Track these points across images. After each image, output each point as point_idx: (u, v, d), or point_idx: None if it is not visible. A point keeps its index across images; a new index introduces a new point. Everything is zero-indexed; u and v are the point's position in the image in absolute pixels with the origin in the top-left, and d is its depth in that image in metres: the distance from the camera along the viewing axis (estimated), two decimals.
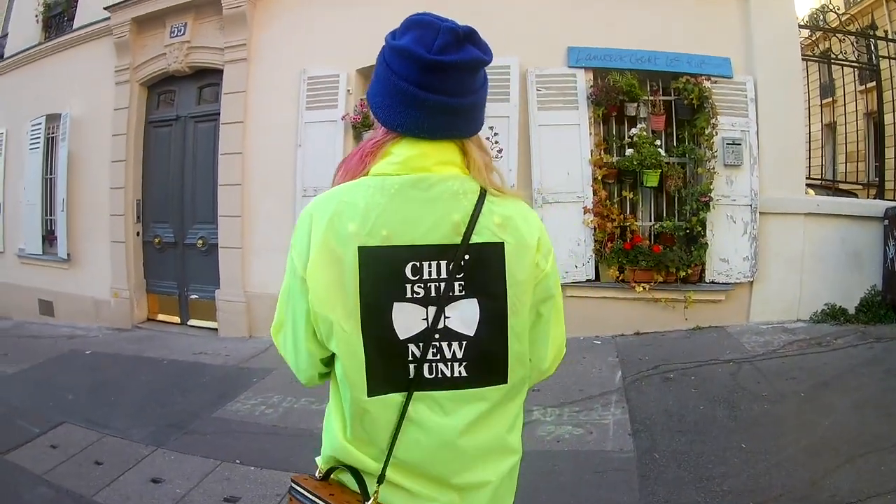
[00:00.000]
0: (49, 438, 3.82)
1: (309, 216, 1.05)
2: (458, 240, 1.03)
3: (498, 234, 1.05)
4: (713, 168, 5.21)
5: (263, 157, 5.93)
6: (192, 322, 6.62)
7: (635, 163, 5.13)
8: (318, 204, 1.06)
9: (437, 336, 1.05)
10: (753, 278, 5.22)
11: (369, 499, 1.06)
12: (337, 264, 1.02)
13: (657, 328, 5.17)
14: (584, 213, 5.16)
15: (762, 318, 5.25)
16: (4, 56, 8.57)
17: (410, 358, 1.05)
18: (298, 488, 1.13)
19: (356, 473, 1.09)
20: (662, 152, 5.22)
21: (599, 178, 5.21)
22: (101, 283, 7.00)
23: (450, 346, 1.06)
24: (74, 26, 7.58)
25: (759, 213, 5.27)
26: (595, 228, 5.16)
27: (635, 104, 5.31)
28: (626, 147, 5.31)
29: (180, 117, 6.68)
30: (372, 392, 1.04)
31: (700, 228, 5.17)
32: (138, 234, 6.90)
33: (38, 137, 7.54)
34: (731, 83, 5.35)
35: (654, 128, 5.40)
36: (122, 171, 6.79)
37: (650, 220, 5.46)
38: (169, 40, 6.55)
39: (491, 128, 5.12)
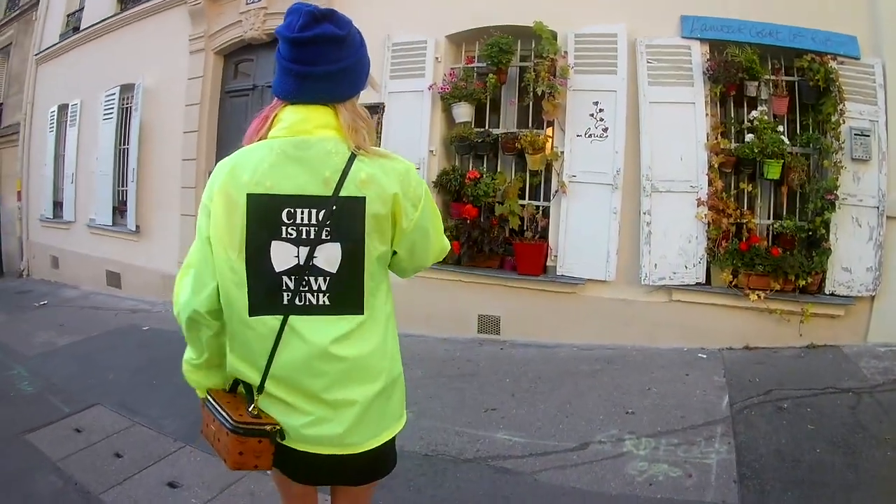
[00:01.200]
0: (76, 421, 3.52)
1: (217, 170, 1.28)
2: (328, 193, 1.21)
3: (361, 189, 1.22)
4: (839, 161, 4.44)
5: None
6: None
7: (756, 150, 4.40)
8: (223, 162, 1.28)
9: (306, 271, 1.24)
10: (875, 292, 4.42)
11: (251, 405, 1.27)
12: (231, 205, 1.22)
13: (769, 343, 4.46)
14: (698, 205, 4.48)
15: (880, 338, 4.44)
16: (80, 28, 8.36)
17: (284, 288, 1.24)
18: (209, 398, 1.35)
19: (247, 385, 1.28)
20: (786, 140, 4.45)
21: (716, 165, 4.50)
22: (170, 256, 6.68)
23: (315, 280, 1.24)
24: None
25: (886, 216, 4.43)
26: (709, 224, 4.47)
27: (756, 83, 4.58)
28: (746, 132, 4.56)
29: (257, 87, 6.29)
30: (253, 312, 1.24)
31: (823, 231, 4.41)
32: None
33: (112, 108, 7.34)
34: (858, 65, 4.55)
35: (776, 112, 4.64)
36: (194, 142, 6.49)
37: (768, 218, 4.70)
38: (245, 7, 6.18)
39: (595, 103, 4.50)
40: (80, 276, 7.94)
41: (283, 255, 1.23)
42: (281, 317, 1.23)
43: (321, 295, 1.24)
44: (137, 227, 7.07)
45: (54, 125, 8.48)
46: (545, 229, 4.73)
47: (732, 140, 4.60)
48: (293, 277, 1.23)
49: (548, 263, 4.66)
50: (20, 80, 9.66)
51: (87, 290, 7.70)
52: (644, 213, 4.48)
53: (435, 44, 4.99)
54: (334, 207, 1.21)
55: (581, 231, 4.55)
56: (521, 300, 4.71)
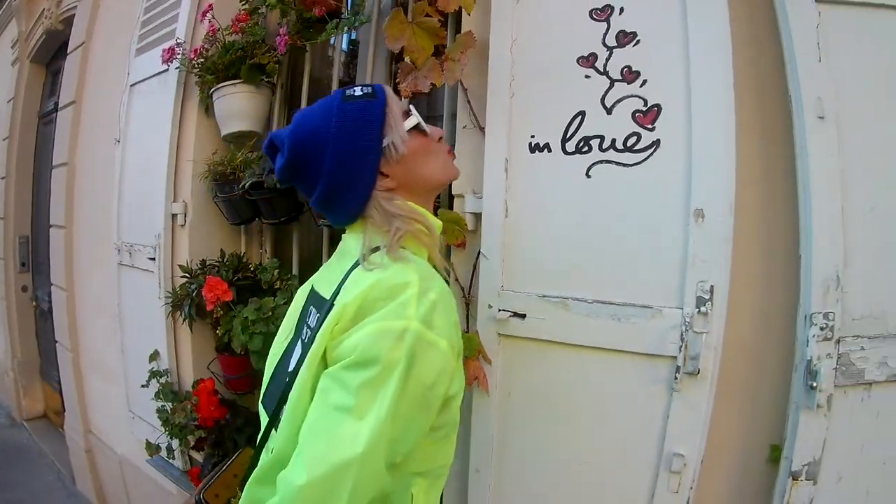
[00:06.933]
0: None
1: None
2: (327, 295, 0.80)
3: (340, 297, 0.75)
4: None
5: (91, 171, 2.47)
6: None
7: None
8: None
9: (292, 381, 0.78)
10: None
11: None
12: (302, 290, 0.94)
13: None
14: None
15: None
16: None
17: (283, 389, 0.79)
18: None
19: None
20: None
21: None
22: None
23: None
24: None
25: None
26: None
27: None
28: None
29: (59, 107, 3.45)
30: (262, 400, 0.89)
31: None
32: (24, 289, 3.83)
33: None
34: None
35: None
36: (2, 193, 3.76)
37: None
38: None
39: (603, 12, 1.14)
40: None
41: (296, 355, 0.81)
42: (268, 419, 0.83)
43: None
44: None
45: None
46: None
47: None
48: (286, 383, 0.78)
49: None
50: None
51: None
52: None
53: None
54: (325, 315, 0.74)
55: None
56: None
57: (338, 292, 0.76)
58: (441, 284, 0.74)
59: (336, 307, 0.72)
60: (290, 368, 0.81)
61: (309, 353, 0.73)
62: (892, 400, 1.12)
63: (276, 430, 0.81)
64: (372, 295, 0.69)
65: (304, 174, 0.81)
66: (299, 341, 0.84)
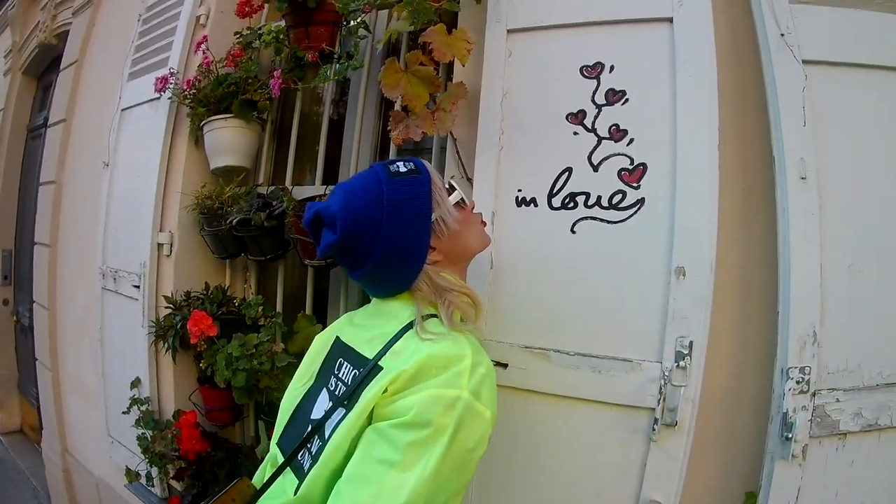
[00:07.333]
0: None
1: None
2: (369, 355, 0.83)
3: (388, 360, 0.81)
4: None
5: (79, 191, 2.45)
6: None
7: None
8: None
9: (318, 429, 0.83)
10: None
11: None
12: (329, 337, 0.96)
13: None
14: None
15: None
16: None
17: (305, 435, 0.84)
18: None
19: None
20: None
21: None
22: None
23: (315, 443, 0.83)
24: None
25: None
26: None
27: None
28: None
29: (48, 122, 3.41)
30: (278, 441, 0.91)
31: None
32: (6, 302, 3.75)
33: None
34: None
35: None
36: None
37: None
38: (44, 1, 3.40)
39: (592, 70, 1.16)
40: None
41: (321, 404, 0.84)
42: (283, 460, 0.86)
43: (309, 461, 0.80)
44: None
45: None
46: None
47: None
48: (310, 429, 0.83)
49: None
50: None
51: None
52: None
53: None
54: (367, 373, 0.79)
55: None
56: None
57: (383, 353, 0.79)
58: (488, 360, 0.79)
59: (390, 371, 0.75)
60: (316, 416, 0.83)
61: (355, 409, 0.76)
62: (866, 449, 1.14)
63: (292, 472, 0.83)
64: (429, 363, 0.73)
65: (355, 251, 0.82)
66: (325, 390, 0.86)
